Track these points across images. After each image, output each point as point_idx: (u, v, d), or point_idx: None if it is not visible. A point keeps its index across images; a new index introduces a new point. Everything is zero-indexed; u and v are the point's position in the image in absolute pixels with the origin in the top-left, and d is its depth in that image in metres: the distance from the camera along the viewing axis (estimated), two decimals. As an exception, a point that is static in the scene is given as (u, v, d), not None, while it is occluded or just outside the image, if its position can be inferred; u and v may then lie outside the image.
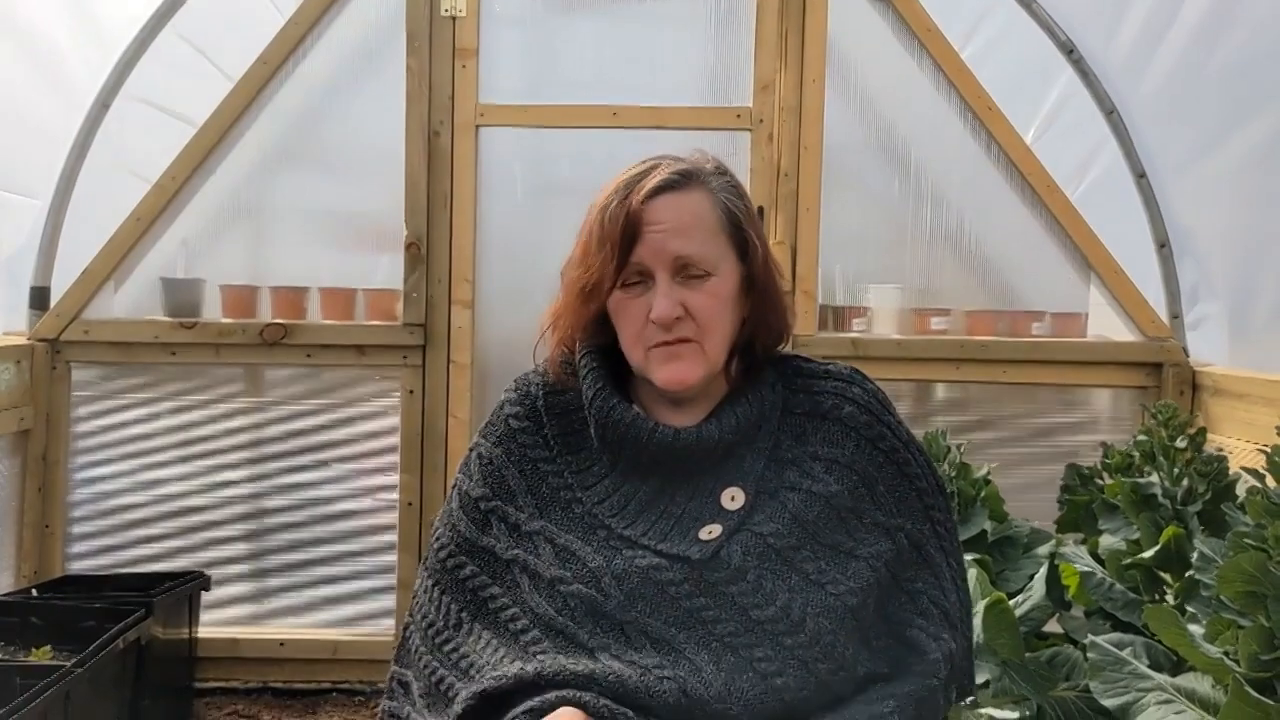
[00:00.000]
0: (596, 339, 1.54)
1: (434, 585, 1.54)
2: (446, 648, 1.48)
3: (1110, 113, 3.58)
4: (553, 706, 1.32)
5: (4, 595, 3.25)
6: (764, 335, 1.53)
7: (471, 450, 1.59)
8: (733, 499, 1.45)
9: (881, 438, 1.50)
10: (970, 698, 1.55)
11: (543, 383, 1.57)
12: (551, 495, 1.50)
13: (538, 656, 1.39)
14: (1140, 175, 3.58)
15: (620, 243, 1.43)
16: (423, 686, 1.50)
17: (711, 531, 1.43)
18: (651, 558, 1.42)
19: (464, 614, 1.49)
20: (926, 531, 1.50)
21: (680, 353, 1.45)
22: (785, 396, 1.53)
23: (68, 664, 2.62)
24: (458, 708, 1.38)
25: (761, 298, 1.51)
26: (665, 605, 1.39)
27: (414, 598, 1.58)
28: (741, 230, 1.49)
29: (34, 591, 3.26)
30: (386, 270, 3.67)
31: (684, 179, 1.47)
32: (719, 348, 1.48)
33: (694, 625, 1.38)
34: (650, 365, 1.47)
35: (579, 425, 1.53)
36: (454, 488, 1.59)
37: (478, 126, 3.60)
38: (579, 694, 1.33)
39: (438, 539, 1.56)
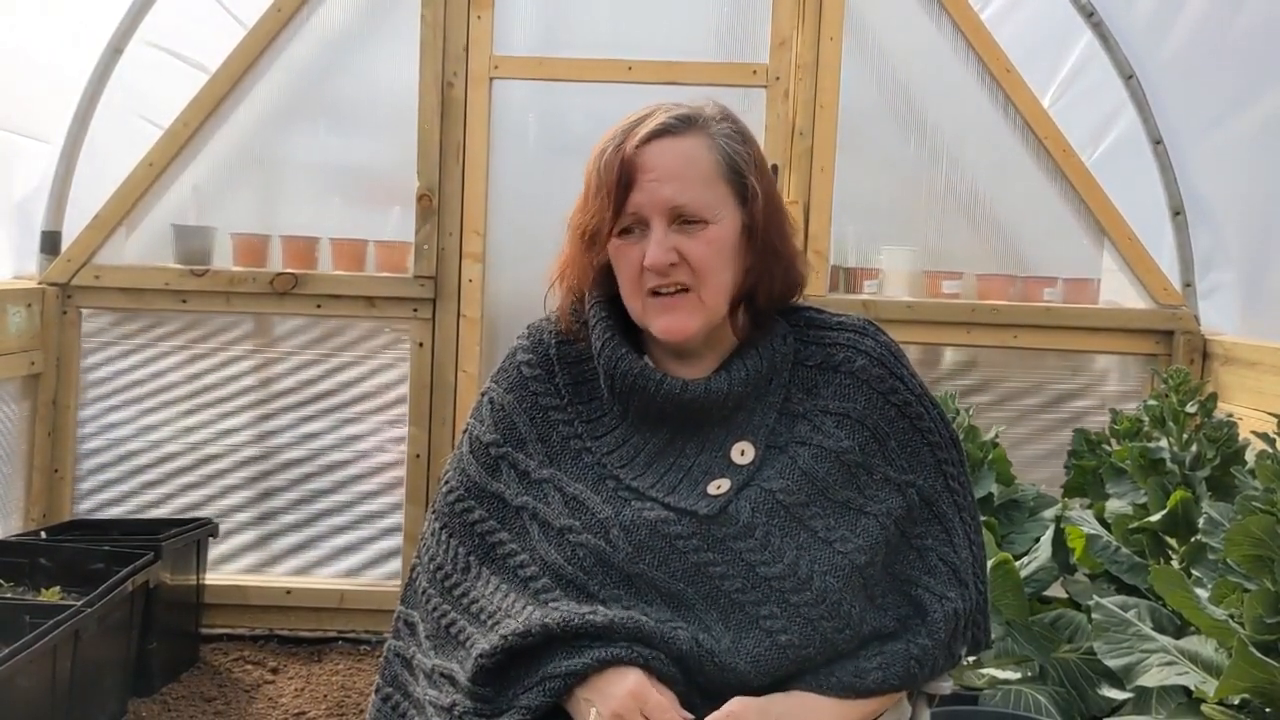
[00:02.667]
0: (606, 289, 1.52)
1: (442, 529, 1.54)
2: (456, 592, 1.49)
3: (1129, 77, 3.55)
4: (601, 662, 1.34)
5: (13, 537, 3.27)
6: (766, 287, 1.49)
7: (483, 395, 1.58)
8: (742, 453, 1.44)
9: (894, 391, 1.47)
10: (987, 650, 1.55)
11: (555, 330, 1.56)
12: (562, 444, 1.49)
13: (551, 604, 1.40)
14: (1157, 141, 3.56)
15: (616, 189, 1.41)
16: (430, 628, 1.50)
17: (720, 486, 1.42)
18: (660, 510, 1.41)
19: (472, 558, 1.49)
20: (939, 486, 1.48)
21: (676, 304, 1.43)
22: (796, 348, 1.50)
23: (77, 604, 2.65)
24: (484, 660, 1.38)
25: (764, 248, 1.47)
26: (673, 558, 1.39)
27: (422, 540, 1.58)
28: (742, 177, 1.46)
29: (43, 534, 3.29)
30: (397, 222, 3.67)
31: (682, 124, 1.44)
32: (717, 296, 1.45)
33: (701, 580, 1.38)
34: (648, 315, 1.45)
35: (590, 375, 1.52)
36: (465, 432, 1.58)
37: (491, 79, 3.58)
38: (635, 649, 1.34)
39: (447, 482, 1.56)
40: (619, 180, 1.41)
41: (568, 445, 1.49)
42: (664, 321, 1.44)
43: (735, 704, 1.33)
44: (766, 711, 1.34)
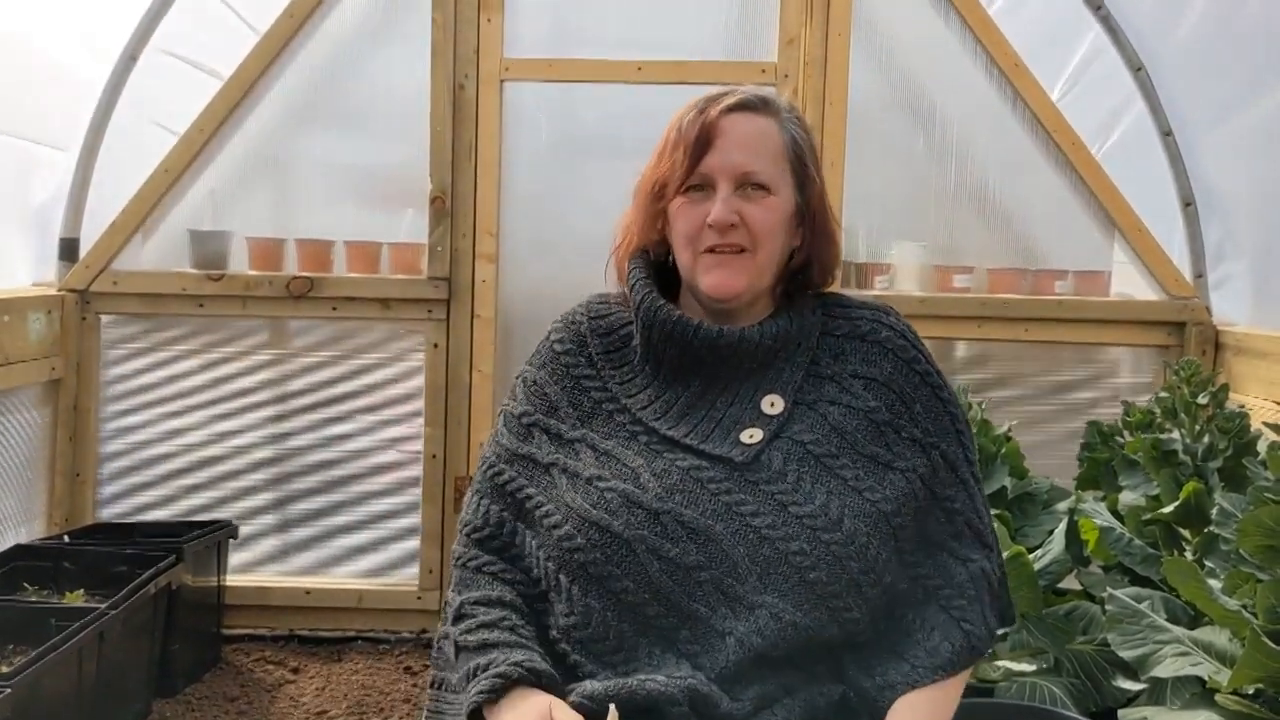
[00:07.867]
0: (659, 249, 1.63)
1: (474, 493, 1.62)
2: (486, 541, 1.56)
3: (1138, 69, 3.55)
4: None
5: (37, 541, 3.31)
6: (818, 267, 1.62)
7: (517, 378, 1.68)
8: (772, 405, 1.52)
9: (916, 361, 1.58)
10: (1002, 644, 1.61)
11: (587, 310, 1.67)
12: (593, 407, 1.57)
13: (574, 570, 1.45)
14: (1167, 133, 3.55)
15: (693, 148, 1.52)
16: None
17: (753, 435, 1.49)
18: (692, 459, 1.48)
19: (505, 514, 1.57)
20: (960, 455, 1.56)
21: (730, 261, 1.53)
22: (824, 320, 1.61)
23: (101, 606, 2.68)
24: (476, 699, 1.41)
25: (816, 231, 1.60)
26: (704, 498, 1.44)
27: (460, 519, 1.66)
28: (803, 163, 1.58)
29: (66, 538, 3.32)
30: (411, 224, 3.69)
31: (760, 103, 1.57)
32: (768, 262, 1.55)
33: (731, 518, 1.43)
34: (698, 270, 1.55)
35: (621, 342, 1.61)
36: (499, 414, 1.67)
37: (502, 80, 3.60)
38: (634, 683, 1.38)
39: (484, 459, 1.65)
40: (697, 140, 1.52)
41: (599, 408, 1.57)
42: (714, 277, 1.53)
43: None
44: None
